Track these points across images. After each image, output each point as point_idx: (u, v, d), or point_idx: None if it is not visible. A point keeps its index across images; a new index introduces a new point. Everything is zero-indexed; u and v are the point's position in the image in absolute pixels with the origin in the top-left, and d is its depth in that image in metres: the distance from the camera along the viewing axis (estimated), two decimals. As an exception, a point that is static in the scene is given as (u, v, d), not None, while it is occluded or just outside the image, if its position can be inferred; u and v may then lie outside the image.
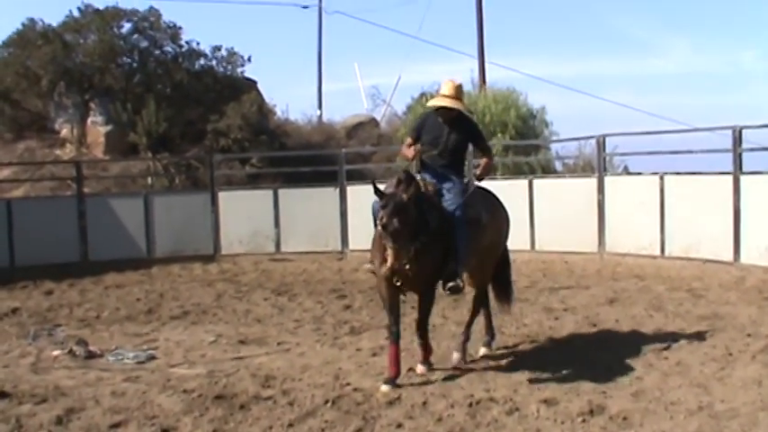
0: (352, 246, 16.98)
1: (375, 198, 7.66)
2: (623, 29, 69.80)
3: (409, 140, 8.50)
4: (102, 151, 22.07)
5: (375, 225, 7.70)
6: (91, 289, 14.42)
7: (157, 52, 23.65)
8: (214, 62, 24.30)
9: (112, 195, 18.69)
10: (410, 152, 8.25)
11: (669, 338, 9.05)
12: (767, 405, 6.53)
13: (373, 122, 27.39)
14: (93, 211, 17.15)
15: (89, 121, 22.50)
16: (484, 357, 8.56)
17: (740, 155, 13.63)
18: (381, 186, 7.68)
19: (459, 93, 8.36)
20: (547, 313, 10.84)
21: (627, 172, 17.97)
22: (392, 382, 7.48)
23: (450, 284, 7.83)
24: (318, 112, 29.89)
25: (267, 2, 53.22)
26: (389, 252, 7.21)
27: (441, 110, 8.27)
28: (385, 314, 8.07)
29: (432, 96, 8.48)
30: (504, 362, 8.40)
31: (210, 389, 7.48)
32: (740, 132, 13.64)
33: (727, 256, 13.54)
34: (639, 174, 16.15)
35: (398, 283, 7.53)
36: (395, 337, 7.70)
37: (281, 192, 17.84)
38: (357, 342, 9.37)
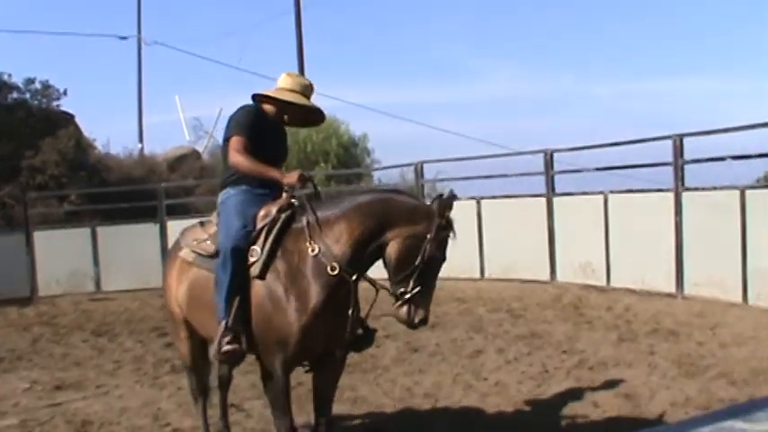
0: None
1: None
2: (448, 57, 71.99)
3: (242, 140, 5.58)
4: None
5: (232, 271, 5.25)
6: None
7: (-36, 84, 22.66)
8: (28, 95, 23.42)
9: None
10: (290, 177, 5.41)
11: (488, 360, 9.27)
12: (577, 417, 6.81)
13: (195, 155, 27.09)
14: None
15: None
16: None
17: (552, 177, 14.19)
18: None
19: (311, 93, 5.96)
20: (370, 341, 10.84)
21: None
22: None
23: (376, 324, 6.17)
24: (140, 146, 29.34)
25: (84, 33, 52.05)
26: (422, 300, 5.09)
27: (289, 108, 5.89)
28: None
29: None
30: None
31: (22, 440, 7.16)
32: (551, 155, 14.20)
33: (544, 275, 14.05)
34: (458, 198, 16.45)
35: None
36: None
37: (100, 229, 17.36)
38: (178, 381, 9.11)
